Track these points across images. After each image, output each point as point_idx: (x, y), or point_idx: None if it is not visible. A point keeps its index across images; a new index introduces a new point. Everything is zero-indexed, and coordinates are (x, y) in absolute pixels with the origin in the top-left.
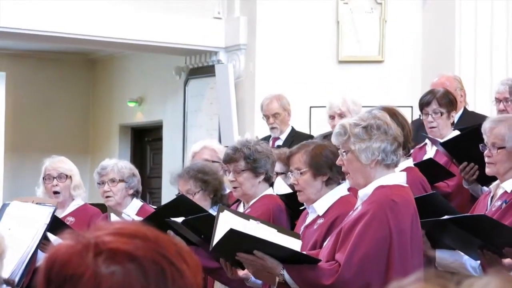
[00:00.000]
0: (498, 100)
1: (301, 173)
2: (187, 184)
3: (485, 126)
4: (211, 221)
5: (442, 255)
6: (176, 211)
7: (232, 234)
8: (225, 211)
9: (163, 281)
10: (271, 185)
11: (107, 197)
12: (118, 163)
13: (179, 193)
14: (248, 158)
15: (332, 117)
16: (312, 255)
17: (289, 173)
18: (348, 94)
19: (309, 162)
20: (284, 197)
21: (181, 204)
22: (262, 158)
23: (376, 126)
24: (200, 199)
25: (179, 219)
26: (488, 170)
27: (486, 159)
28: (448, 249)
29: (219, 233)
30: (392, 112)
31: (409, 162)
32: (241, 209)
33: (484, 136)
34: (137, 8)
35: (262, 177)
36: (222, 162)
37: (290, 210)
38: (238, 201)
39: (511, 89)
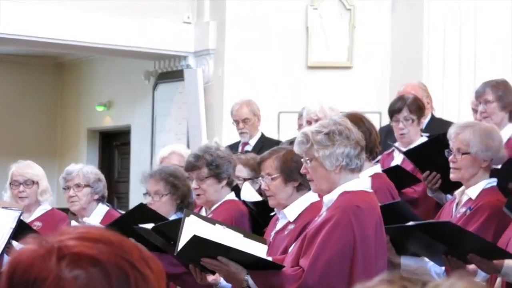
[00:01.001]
0: (475, 111)
1: (272, 179)
2: (158, 185)
3: (451, 132)
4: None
5: (407, 262)
6: (138, 218)
7: (196, 240)
8: (191, 216)
9: (126, 286)
10: (233, 189)
11: (72, 202)
12: (84, 168)
13: (146, 193)
14: (210, 165)
15: (309, 123)
16: (279, 261)
17: (259, 178)
18: (324, 100)
19: (280, 167)
20: (253, 205)
21: (141, 212)
22: (224, 163)
23: (338, 131)
24: (167, 203)
25: (149, 225)
26: (452, 176)
27: (451, 164)
28: (413, 255)
29: (184, 238)
30: (359, 118)
31: (377, 168)
32: (203, 213)
33: (450, 142)
34: (106, 12)
35: (225, 182)
36: (184, 170)
37: (260, 218)
38: (200, 206)
39: (493, 89)
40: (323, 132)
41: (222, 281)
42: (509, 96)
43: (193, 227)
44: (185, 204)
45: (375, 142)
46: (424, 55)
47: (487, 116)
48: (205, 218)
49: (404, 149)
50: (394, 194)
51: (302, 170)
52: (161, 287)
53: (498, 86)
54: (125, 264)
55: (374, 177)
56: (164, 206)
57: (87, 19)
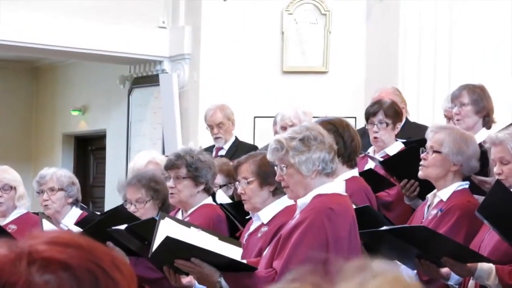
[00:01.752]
0: (448, 118)
1: (248, 182)
2: (139, 192)
3: (429, 131)
4: (155, 226)
5: (380, 266)
6: (115, 221)
7: (169, 241)
8: (166, 218)
9: None
10: (211, 196)
11: (46, 206)
12: (57, 171)
13: (125, 201)
14: (190, 166)
15: (283, 128)
16: (254, 263)
17: (236, 183)
18: (298, 105)
19: (257, 171)
20: (229, 206)
21: (119, 215)
22: (204, 168)
23: (313, 137)
24: (150, 208)
25: (122, 227)
26: (420, 173)
27: (421, 161)
28: (386, 259)
29: (158, 240)
30: (345, 123)
31: (355, 172)
32: (179, 216)
33: (427, 141)
34: (81, 16)
35: (202, 187)
36: (163, 167)
37: (235, 219)
38: (177, 209)
39: (469, 93)
40: (298, 138)
41: (197, 283)
42: (484, 101)
43: (167, 229)
44: (166, 206)
45: (355, 149)
46: (399, 60)
47: (460, 118)
48: (180, 221)
49: (379, 158)
50: (370, 197)
51: (277, 178)
52: None
53: (475, 90)
54: (96, 268)
55: (351, 180)
56: (148, 212)
57: (62, 24)
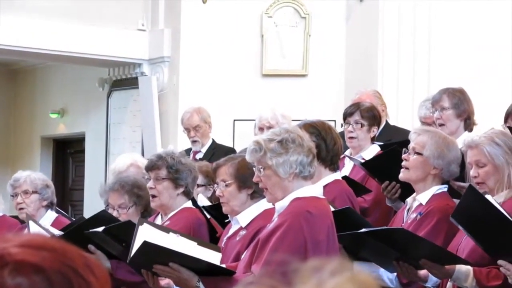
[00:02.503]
0: (426, 124)
1: (226, 185)
2: (122, 198)
3: (412, 132)
4: (132, 228)
5: (359, 268)
6: (97, 226)
7: (146, 246)
8: (145, 224)
9: None
10: (191, 200)
11: (20, 209)
12: (31, 174)
13: (107, 205)
14: (170, 168)
15: (261, 129)
16: (233, 267)
17: (214, 185)
18: (277, 107)
19: (235, 174)
20: (210, 208)
21: (102, 219)
22: (185, 171)
23: (291, 139)
24: (133, 213)
25: (100, 229)
26: (401, 175)
27: (403, 163)
28: (366, 261)
29: (137, 245)
30: (327, 126)
31: (337, 175)
32: (158, 221)
33: (411, 142)
34: (60, 18)
35: (181, 189)
36: (144, 169)
37: (219, 222)
38: (156, 214)
39: (449, 97)
40: (276, 140)
41: (174, 286)
42: (465, 104)
43: (146, 235)
44: (148, 211)
45: (338, 152)
46: (378, 63)
47: (442, 123)
48: (158, 227)
49: (361, 160)
50: (353, 200)
51: (255, 179)
52: None
53: (455, 93)
54: (69, 271)
55: (334, 183)
56: (131, 218)
57: (40, 26)
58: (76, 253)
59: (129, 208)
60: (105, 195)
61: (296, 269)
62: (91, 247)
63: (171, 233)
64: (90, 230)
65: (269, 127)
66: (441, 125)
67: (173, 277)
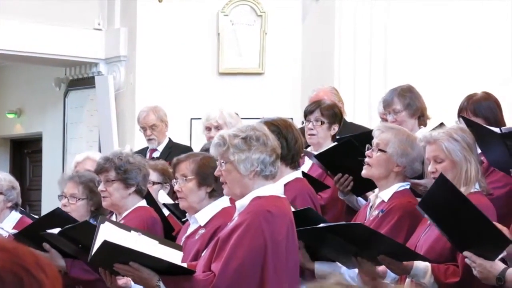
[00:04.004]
0: (384, 119)
1: (186, 180)
2: (76, 188)
3: (376, 129)
4: (89, 229)
5: (321, 267)
6: (51, 224)
7: (107, 245)
8: (106, 223)
9: None
10: (144, 197)
11: None
12: None
13: (61, 194)
14: (119, 169)
15: (208, 129)
16: (193, 266)
17: (173, 180)
18: (225, 106)
19: (196, 170)
20: (172, 207)
21: (57, 217)
22: (134, 170)
23: (256, 137)
24: (81, 207)
25: (55, 230)
26: (363, 172)
27: (365, 159)
28: (328, 260)
29: (98, 244)
30: (288, 124)
31: (298, 173)
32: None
33: (374, 139)
34: (16, 18)
35: (132, 189)
36: (94, 171)
37: (179, 220)
38: (111, 213)
39: (400, 98)
40: (240, 137)
41: (132, 284)
42: (416, 102)
43: (107, 234)
44: (100, 212)
45: (299, 150)
46: (335, 60)
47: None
48: (120, 225)
49: (315, 152)
50: (314, 199)
51: (216, 172)
52: None
53: (404, 94)
54: (20, 270)
55: (295, 181)
56: (78, 210)
57: None
58: (27, 252)
59: (79, 200)
60: (63, 184)
61: None
62: (46, 245)
63: (132, 231)
64: (46, 232)
65: (217, 127)
66: None
67: (134, 276)
